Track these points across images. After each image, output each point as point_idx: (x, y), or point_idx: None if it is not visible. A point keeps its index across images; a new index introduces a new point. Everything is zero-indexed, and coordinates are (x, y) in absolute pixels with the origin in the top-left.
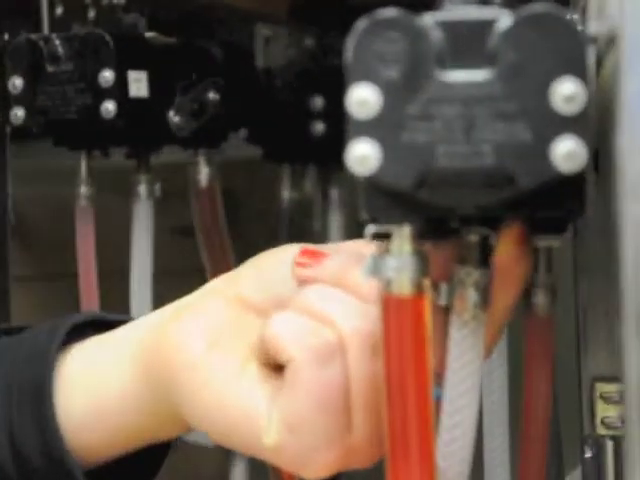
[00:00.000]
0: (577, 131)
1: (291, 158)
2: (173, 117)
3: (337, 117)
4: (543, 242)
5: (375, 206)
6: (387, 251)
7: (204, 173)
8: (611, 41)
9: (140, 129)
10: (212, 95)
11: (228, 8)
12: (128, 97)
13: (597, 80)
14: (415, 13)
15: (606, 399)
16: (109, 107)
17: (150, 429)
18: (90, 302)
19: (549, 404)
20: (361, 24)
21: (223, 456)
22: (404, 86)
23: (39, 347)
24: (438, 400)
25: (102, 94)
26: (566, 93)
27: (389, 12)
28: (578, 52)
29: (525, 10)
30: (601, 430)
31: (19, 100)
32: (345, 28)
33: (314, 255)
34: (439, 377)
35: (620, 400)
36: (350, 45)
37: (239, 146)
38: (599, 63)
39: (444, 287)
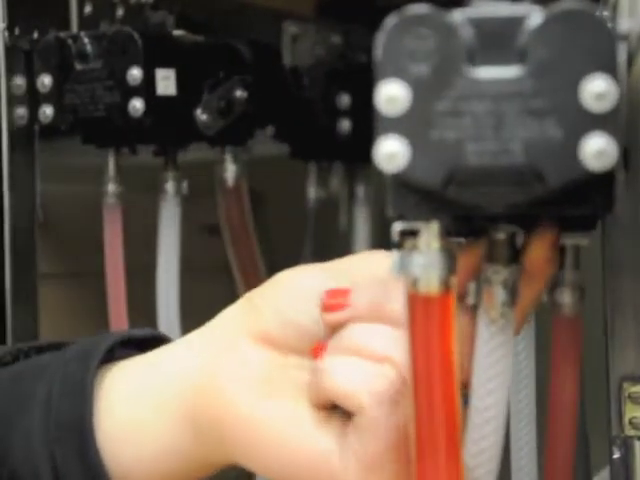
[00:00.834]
0: (607, 129)
1: (318, 156)
2: (200, 115)
3: (364, 115)
4: (571, 240)
5: (403, 203)
6: (414, 248)
7: (231, 171)
8: None
9: (168, 127)
10: (239, 93)
11: (256, 6)
12: (156, 95)
13: (628, 78)
14: (445, 9)
15: (634, 399)
16: (137, 105)
17: (189, 474)
18: (117, 300)
19: (576, 404)
20: (391, 21)
21: None
22: (433, 83)
23: (74, 378)
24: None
25: (130, 92)
26: (596, 90)
27: (419, 8)
28: (609, 49)
29: (556, 7)
30: (629, 431)
31: (48, 98)
32: (373, 26)
33: (339, 295)
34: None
35: None
36: (380, 42)
37: (266, 144)
38: (630, 61)
39: (472, 285)
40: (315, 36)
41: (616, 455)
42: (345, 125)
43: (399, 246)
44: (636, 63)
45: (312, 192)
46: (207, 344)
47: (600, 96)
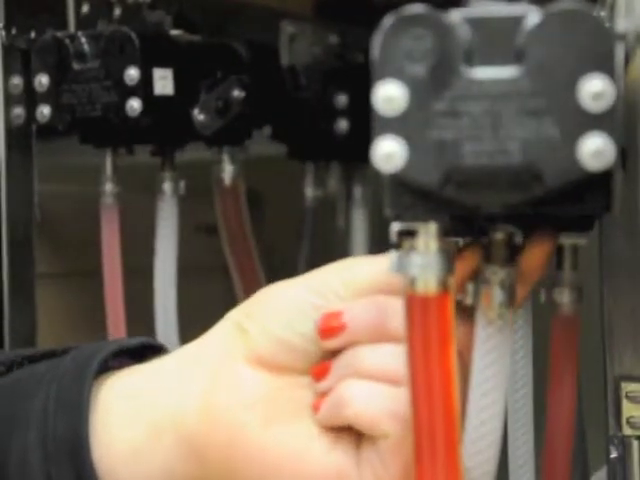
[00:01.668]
0: (605, 128)
1: (315, 156)
2: (198, 115)
3: (361, 115)
4: (569, 240)
5: (400, 203)
6: (412, 249)
7: (228, 171)
8: (639, 38)
9: (165, 127)
10: (237, 93)
11: (253, 6)
12: (153, 95)
13: (625, 77)
14: (442, 10)
15: (632, 399)
16: (134, 105)
17: None
18: (115, 299)
19: (574, 403)
20: (388, 21)
21: None
22: (431, 83)
23: (69, 396)
24: None
25: (127, 92)
26: (594, 90)
27: (416, 9)
28: (606, 49)
29: (553, 7)
30: (627, 430)
31: (45, 98)
32: (370, 25)
33: (333, 318)
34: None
35: None
36: (377, 42)
37: (263, 144)
38: (627, 60)
39: (470, 286)
40: (312, 36)
41: (614, 454)
42: (342, 125)
43: (397, 246)
44: (633, 63)
45: (309, 192)
46: (201, 371)
47: (597, 96)
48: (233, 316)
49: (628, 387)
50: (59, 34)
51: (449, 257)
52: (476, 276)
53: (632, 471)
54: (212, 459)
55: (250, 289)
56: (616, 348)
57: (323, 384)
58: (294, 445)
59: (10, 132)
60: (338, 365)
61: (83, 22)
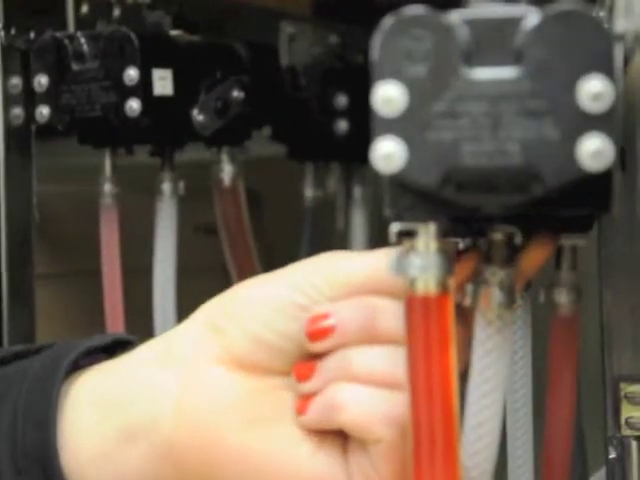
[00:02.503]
0: (604, 129)
1: (315, 156)
2: (197, 115)
3: (361, 115)
4: (568, 241)
5: (400, 204)
6: (412, 249)
7: (227, 171)
8: (638, 39)
9: (164, 127)
10: (236, 93)
11: (253, 6)
12: (153, 95)
13: (624, 78)
14: (442, 10)
15: (631, 399)
16: (134, 105)
17: None
18: (114, 300)
19: (573, 404)
20: (388, 22)
21: None
22: (430, 84)
23: (37, 408)
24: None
25: (127, 92)
26: (593, 91)
27: (416, 9)
28: (605, 50)
29: (552, 8)
30: (625, 431)
31: (44, 98)
32: (370, 26)
33: (320, 319)
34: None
35: None
36: (376, 43)
37: (263, 144)
38: (626, 61)
39: (469, 287)
40: (312, 36)
41: (612, 455)
42: (342, 125)
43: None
44: (632, 63)
45: (309, 192)
46: (173, 374)
47: (597, 96)
48: (206, 315)
49: (627, 388)
50: (58, 34)
51: (449, 258)
52: (475, 277)
53: (631, 472)
54: (190, 463)
55: None
56: (615, 349)
57: (308, 385)
58: (277, 448)
59: (9, 132)
60: (326, 367)
61: (82, 22)
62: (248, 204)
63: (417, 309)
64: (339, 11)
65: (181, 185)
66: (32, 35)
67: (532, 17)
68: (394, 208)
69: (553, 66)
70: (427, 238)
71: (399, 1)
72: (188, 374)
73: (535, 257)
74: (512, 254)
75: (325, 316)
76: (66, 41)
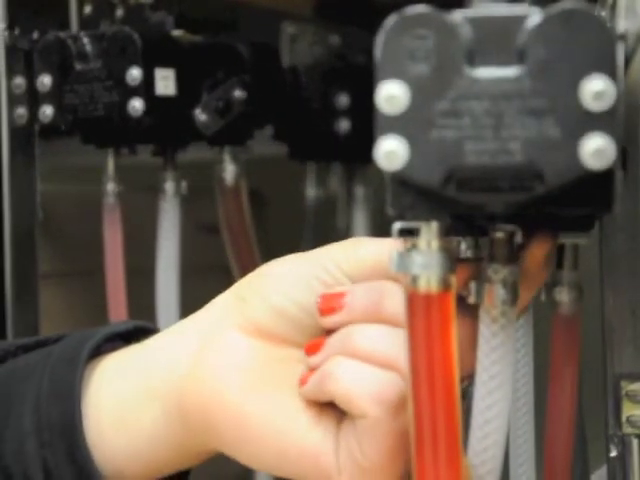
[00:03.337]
0: (606, 128)
1: (316, 156)
2: (199, 115)
3: (362, 115)
4: (570, 239)
5: (402, 202)
6: (414, 247)
7: (230, 171)
8: None
9: (167, 127)
10: (238, 93)
11: (254, 6)
12: (155, 95)
13: (625, 77)
14: (444, 10)
15: (632, 397)
16: (136, 105)
17: (182, 462)
18: (117, 299)
19: (575, 402)
20: (390, 21)
21: None
22: (433, 83)
23: (62, 381)
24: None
25: (129, 92)
26: (595, 90)
27: (418, 9)
28: (607, 49)
29: (554, 7)
30: (626, 429)
31: (47, 98)
32: (371, 26)
33: (335, 298)
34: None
35: None
36: (379, 41)
37: (265, 144)
38: (627, 60)
39: (473, 285)
40: (313, 36)
41: (613, 453)
42: (344, 125)
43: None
44: (633, 63)
45: (311, 192)
46: (197, 332)
47: (599, 95)
48: (236, 287)
49: (628, 386)
50: (62, 34)
51: (451, 256)
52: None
53: (632, 470)
54: (195, 422)
55: None
56: (616, 347)
57: (314, 359)
58: (273, 416)
59: (13, 132)
60: (331, 342)
61: (85, 22)
62: (250, 203)
63: (419, 307)
64: (340, 11)
65: (184, 185)
66: (35, 35)
67: (534, 16)
68: (396, 207)
69: (555, 65)
70: (429, 236)
71: (400, 1)
72: (208, 335)
73: (536, 255)
74: (514, 252)
75: (341, 295)
76: (69, 41)
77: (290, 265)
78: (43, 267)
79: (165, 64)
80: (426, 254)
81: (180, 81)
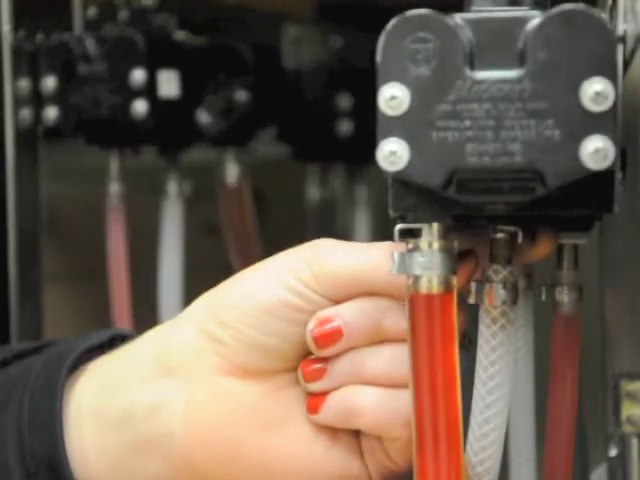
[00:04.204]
0: (605, 129)
1: (318, 157)
2: (202, 116)
3: (364, 116)
4: (569, 240)
5: (404, 204)
6: (415, 248)
7: (232, 172)
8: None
9: (170, 128)
10: (241, 94)
11: (257, 8)
12: (158, 96)
13: (624, 79)
14: (445, 13)
15: (631, 397)
16: (140, 106)
17: None
18: (120, 299)
19: (575, 402)
20: (392, 23)
21: None
22: (434, 85)
23: (42, 411)
24: None
25: (133, 94)
26: (595, 91)
27: (420, 11)
28: (608, 51)
29: (555, 9)
30: (626, 428)
31: (52, 100)
32: (373, 28)
33: (329, 331)
34: None
35: None
36: (381, 44)
37: (267, 145)
38: (627, 62)
39: (473, 285)
40: (316, 38)
41: (613, 452)
42: (345, 126)
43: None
44: (633, 64)
45: (313, 193)
46: (180, 388)
47: (598, 97)
48: (199, 321)
49: (628, 385)
50: (66, 37)
51: (452, 256)
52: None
53: (631, 469)
54: (212, 474)
55: None
56: (616, 346)
57: (318, 385)
58: (293, 448)
59: (18, 134)
60: (337, 369)
61: (89, 25)
62: (252, 204)
63: (420, 307)
64: (342, 13)
65: (187, 185)
66: (40, 37)
67: (534, 18)
68: (398, 208)
69: (555, 67)
70: (430, 237)
71: (402, 4)
72: (192, 386)
73: (537, 255)
74: (515, 252)
75: (328, 319)
76: (73, 43)
77: (259, 294)
78: (47, 267)
79: (168, 66)
80: (427, 255)
81: (183, 83)
